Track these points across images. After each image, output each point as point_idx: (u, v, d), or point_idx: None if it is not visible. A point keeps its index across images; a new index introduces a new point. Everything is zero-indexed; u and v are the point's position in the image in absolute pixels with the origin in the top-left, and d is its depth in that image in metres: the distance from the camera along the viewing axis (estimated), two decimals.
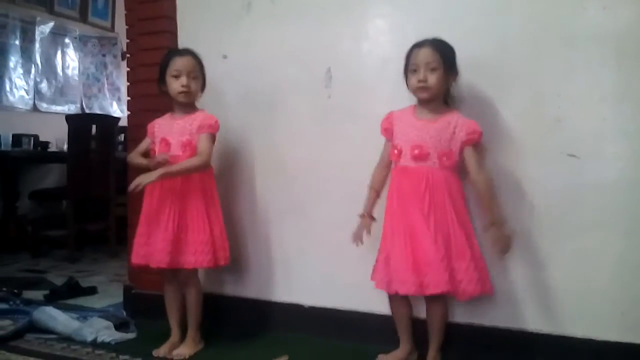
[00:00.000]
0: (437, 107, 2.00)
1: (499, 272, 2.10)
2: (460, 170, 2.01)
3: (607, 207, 1.96)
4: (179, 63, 2.22)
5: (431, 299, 2.01)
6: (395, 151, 2.02)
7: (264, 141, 2.51)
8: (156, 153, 2.29)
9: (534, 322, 2.07)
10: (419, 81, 1.94)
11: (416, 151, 1.96)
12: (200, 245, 2.20)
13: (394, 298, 2.03)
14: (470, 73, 2.12)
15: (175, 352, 2.21)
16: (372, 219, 2.10)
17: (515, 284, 2.09)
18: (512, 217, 2.07)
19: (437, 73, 1.93)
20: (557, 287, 2.03)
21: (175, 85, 2.21)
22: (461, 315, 2.16)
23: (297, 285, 2.48)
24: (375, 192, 2.11)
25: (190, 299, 2.29)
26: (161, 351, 2.20)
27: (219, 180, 2.46)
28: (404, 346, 2.07)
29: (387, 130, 2.07)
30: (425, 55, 1.94)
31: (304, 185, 2.44)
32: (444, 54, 1.94)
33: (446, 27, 2.17)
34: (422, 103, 2.01)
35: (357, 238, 2.11)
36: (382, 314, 2.13)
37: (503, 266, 2.10)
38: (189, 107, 2.29)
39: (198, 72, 2.26)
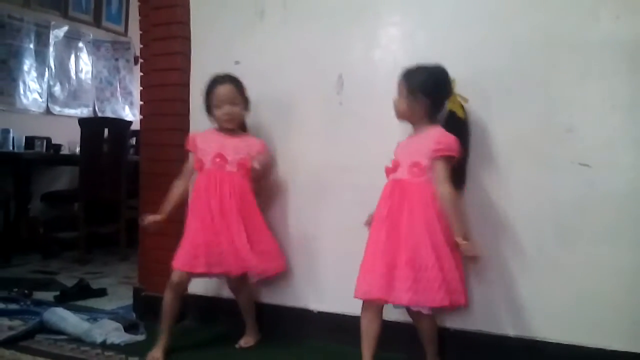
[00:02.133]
0: (426, 127, 2.03)
1: (508, 280, 2.10)
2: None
3: (619, 217, 1.95)
4: (220, 93, 2.31)
5: (414, 313, 2.03)
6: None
7: (276, 146, 2.52)
8: (203, 166, 2.32)
9: (543, 330, 2.06)
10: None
11: (390, 165, 2.05)
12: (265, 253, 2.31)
13: (364, 309, 1.98)
14: (481, 81, 2.13)
15: (243, 341, 2.39)
16: None
17: (525, 292, 2.09)
18: (522, 226, 2.08)
19: None
20: (568, 296, 2.02)
21: (219, 114, 2.32)
22: (473, 323, 2.16)
23: (306, 290, 2.48)
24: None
25: (246, 298, 2.45)
26: (157, 355, 2.19)
27: None
28: None
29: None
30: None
31: (315, 190, 2.45)
32: None
33: (457, 35, 2.19)
34: (413, 126, 2.08)
35: None
36: (393, 320, 2.12)
37: (512, 274, 2.10)
38: (235, 129, 2.38)
39: (239, 97, 2.34)
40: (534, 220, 2.07)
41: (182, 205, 2.36)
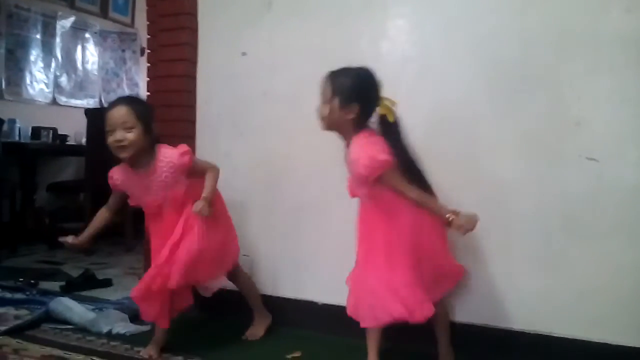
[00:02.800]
0: (351, 137, 1.89)
1: (514, 274, 2.10)
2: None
3: (627, 212, 1.94)
4: (110, 117, 2.07)
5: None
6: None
7: (282, 138, 2.52)
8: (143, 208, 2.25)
9: (548, 324, 2.06)
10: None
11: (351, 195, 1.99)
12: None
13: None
14: (489, 74, 2.12)
15: (249, 333, 2.38)
16: None
17: (531, 286, 2.08)
18: (529, 220, 2.07)
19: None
20: (574, 290, 2.02)
21: (109, 141, 2.07)
22: (477, 317, 2.15)
23: (310, 282, 2.48)
24: None
25: (245, 285, 2.44)
26: (152, 352, 2.15)
27: (236, 176, 2.48)
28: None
29: None
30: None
31: (320, 183, 2.44)
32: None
33: (466, 28, 2.17)
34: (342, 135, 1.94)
35: None
36: None
37: (519, 268, 2.09)
38: (143, 157, 2.13)
39: (133, 121, 2.06)
40: (541, 214, 2.06)
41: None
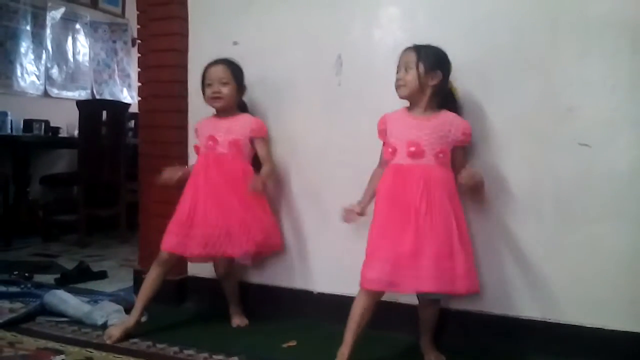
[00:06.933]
0: (431, 108, 1.98)
1: (506, 260, 2.11)
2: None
3: (618, 197, 1.95)
4: (210, 72, 2.34)
5: (425, 300, 2.02)
6: (390, 149, 1.99)
7: (275, 127, 2.51)
8: (200, 150, 2.39)
9: (542, 310, 2.07)
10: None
11: (412, 148, 1.93)
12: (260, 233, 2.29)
13: (367, 296, 1.89)
14: (482, 60, 2.11)
15: (239, 321, 2.41)
16: (361, 214, 2.09)
17: (524, 271, 2.09)
18: (522, 206, 2.08)
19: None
20: (566, 275, 2.03)
21: (207, 92, 2.34)
22: (474, 304, 2.15)
23: (306, 271, 2.49)
24: (373, 191, 2.07)
25: (233, 284, 2.48)
26: (115, 334, 2.19)
27: None
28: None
29: (382, 132, 2.07)
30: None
31: (315, 171, 2.44)
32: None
33: (458, 14, 2.17)
34: (413, 104, 2.01)
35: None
36: (390, 300, 2.12)
37: (511, 254, 2.10)
38: (229, 111, 2.37)
39: (229, 78, 2.33)
40: (533, 199, 2.06)
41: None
